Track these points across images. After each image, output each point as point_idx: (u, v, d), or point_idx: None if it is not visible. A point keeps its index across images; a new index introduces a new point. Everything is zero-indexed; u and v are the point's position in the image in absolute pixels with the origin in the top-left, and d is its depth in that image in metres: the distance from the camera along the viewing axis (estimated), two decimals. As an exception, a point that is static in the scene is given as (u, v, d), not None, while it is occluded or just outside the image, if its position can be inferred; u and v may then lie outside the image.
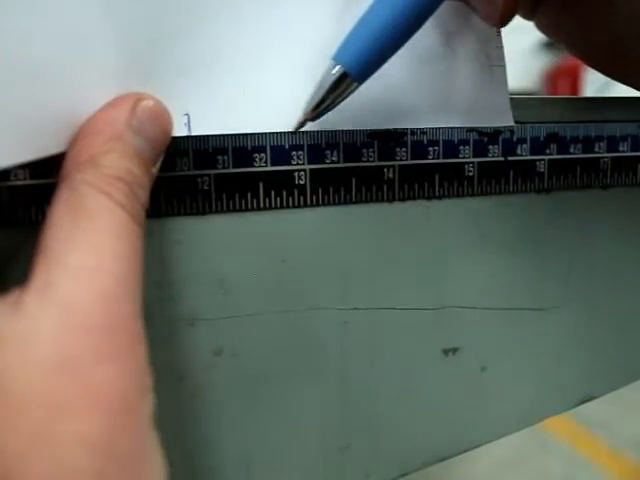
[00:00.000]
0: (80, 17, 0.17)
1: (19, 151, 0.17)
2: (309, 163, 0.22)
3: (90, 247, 0.15)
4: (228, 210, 0.21)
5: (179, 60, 0.20)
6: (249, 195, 0.21)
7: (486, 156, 0.24)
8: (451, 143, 0.24)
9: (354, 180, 0.23)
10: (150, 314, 0.17)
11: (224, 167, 0.21)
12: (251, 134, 0.21)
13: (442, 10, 0.21)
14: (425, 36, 0.22)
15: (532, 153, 0.25)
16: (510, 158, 0.25)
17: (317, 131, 0.22)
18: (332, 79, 0.20)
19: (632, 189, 0.28)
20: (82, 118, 0.17)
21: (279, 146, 0.21)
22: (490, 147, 0.24)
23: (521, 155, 0.25)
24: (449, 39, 0.23)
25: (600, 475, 1.39)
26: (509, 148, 0.25)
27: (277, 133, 0.21)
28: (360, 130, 0.22)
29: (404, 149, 0.23)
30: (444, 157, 0.24)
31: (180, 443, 0.21)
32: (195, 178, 0.20)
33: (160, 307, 0.21)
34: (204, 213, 0.21)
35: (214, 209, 0.21)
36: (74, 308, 0.14)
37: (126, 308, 0.15)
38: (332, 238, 0.23)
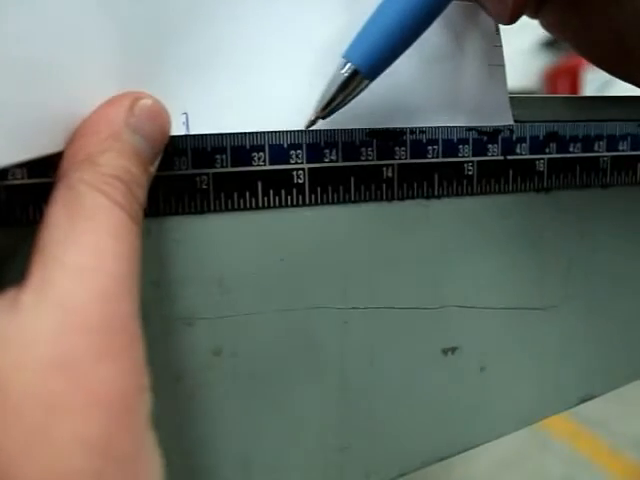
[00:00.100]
0: (79, 16, 0.17)
1: (17, 150, 0.16)
2: (308, 162, 0.22)
3: (88, 246, 0.15)
4: (227, 209, 0.21)
5: (177, 59, 0.20)
6: (248, 194, 0.21)
7: (485, 155, 0.24)
8: (450, 142, 0.24)
9: (353, 179, 0.22)
10: (148, 313, 0.17)
11: (222, 166, 0.21)
12: (250, 133, 0.21)
13: (450, 9, 0.21)
14: (433, 34, 0.22)
15: (532, 152, 0.25)
16: (509, 157, 0.25)
17: (316, 130, 0.22)
18: (343, 77, 0.20)
19: (632, 188, 0.27)
20: (80, 117, 0.17)
21: (278, 145, 0.21)
22: (489, 146, 0.24)
23: (520, 154, 0.25)
24: (457, 38, 0.23)
25: (600, 475, 1.39)
26: (508, 147, 0.25)
27: (276, 132, 0.21)
28: (359, 129, 0.22)
29: (403, 148, 0.23)
30: (443, 156, 0.24)
31: (178, 443, 0.21)
32: (193, 177, 0.20)
33: (158, 306, 0.21)
34: (202, 212, 0.21)
35: (213, 208, 0.21)
36: (71, 307, 0.14)
37: (124, 307, 0.15)
38: (331, 237, 0.23)
